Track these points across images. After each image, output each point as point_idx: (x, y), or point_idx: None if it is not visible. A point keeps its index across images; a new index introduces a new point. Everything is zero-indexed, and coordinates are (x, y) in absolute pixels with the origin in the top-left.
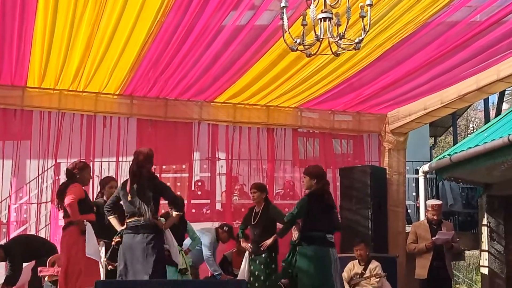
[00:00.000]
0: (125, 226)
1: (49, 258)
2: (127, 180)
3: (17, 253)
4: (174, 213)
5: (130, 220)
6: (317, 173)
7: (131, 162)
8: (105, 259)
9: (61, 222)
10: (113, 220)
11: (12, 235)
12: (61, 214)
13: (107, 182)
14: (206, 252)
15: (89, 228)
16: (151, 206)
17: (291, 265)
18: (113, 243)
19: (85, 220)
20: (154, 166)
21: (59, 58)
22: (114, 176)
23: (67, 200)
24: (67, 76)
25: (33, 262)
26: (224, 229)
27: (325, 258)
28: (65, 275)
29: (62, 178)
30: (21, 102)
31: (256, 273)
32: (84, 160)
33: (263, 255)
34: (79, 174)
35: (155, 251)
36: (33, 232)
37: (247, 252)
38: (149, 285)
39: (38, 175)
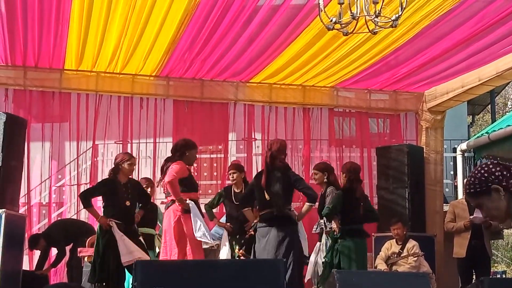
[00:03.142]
0: (257, 218)
1: (88, 239)
2: (261, 171)
3: (60, 238)
4: (307, 204)
5: (262, 212)
6: (351, 168)
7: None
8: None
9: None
10: (247, 212)
11: (52, 216)
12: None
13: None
14: None
15: (193, 207)
16: (283, 197)
17: (333, 258)
18: (247, 236)
19: (188, 199)
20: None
21: (96, 40)
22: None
23: (167, 178)
24: (104, 58)
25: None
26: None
27: (364, 249)
28: (165, 252)
29: (100, 159)
30: (59, 84)
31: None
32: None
33: (246, 235)
34: (188, 152)
35: (286, 243)
36: (72, 213)
37: (225, 232)
38: (187, 265)
39: (78, 156)
